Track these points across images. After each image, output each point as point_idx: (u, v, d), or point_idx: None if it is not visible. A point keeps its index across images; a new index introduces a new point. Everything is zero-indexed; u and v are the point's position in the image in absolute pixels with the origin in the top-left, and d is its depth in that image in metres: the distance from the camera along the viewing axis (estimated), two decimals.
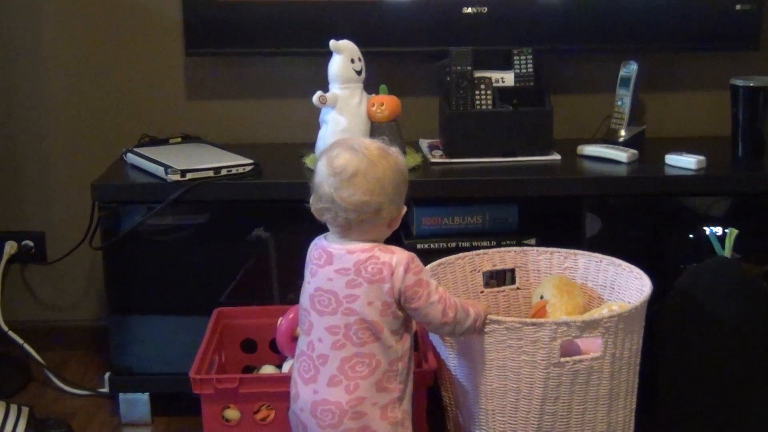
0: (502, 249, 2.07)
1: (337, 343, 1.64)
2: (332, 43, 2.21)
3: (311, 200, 1.68)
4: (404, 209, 1.70)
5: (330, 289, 1.65)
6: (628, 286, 1.93)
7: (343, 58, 2.22)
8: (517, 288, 2.08)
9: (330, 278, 1.65)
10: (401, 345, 1.66)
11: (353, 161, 1.63)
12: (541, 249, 2.07)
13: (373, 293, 1.63)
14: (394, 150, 1.69)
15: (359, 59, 2.24)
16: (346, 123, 2.22)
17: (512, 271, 2.07)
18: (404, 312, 1.66)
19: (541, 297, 1.98)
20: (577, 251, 2.04)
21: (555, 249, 2.06)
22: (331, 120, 2.23)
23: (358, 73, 2.24)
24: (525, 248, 2.08)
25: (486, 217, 2.25)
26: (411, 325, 1.71)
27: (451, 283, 2.00)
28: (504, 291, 2.08)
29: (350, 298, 1.63)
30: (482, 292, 2.05)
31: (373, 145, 1.67)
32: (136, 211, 2.18)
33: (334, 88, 2.23)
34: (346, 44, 2.23)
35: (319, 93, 2.20)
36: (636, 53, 2.43)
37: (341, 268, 1.65)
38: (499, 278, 2.10)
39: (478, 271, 2.04)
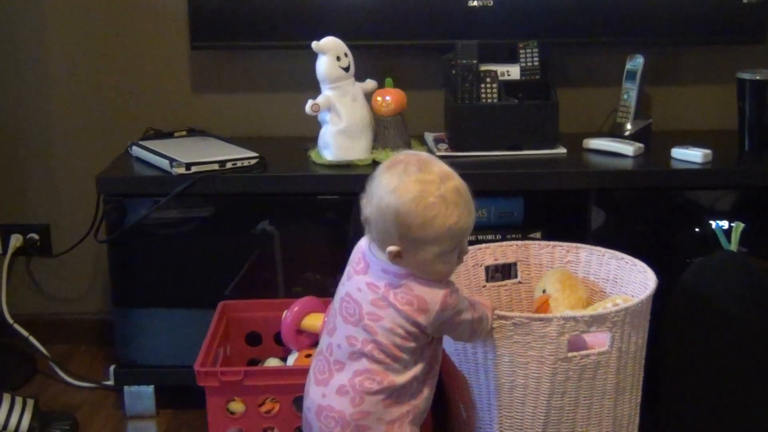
0: (504, 243, 2.07)
1: (354, 354, 1.60)
2: (314, 44, 2.18)
3: None
4: (395, 250, 1.53)
5: (357, 299, 1.60)
6: (630, 279, 1.93)
7: (329, 57, 2.19)
8: (519, 282, 2.08)
9: (360, 288, 1.60)
10: (420, 364, 1.62)
11: (383, 165, 1.57)
12: (543, 243, 2.06)
13: (397, 321, 1.56)
14: (436, 191, 1.51)
15: (345, 55, 2.21)
16: (345, 122, 2.21)
17: (514, 265, 2.07)
18: (430, 336, 1.61)
19: (544, 291, 1.98)
20: (579, 245, 2.04)
21: (557, 243, 2.05)
22: (329, 120, 2.22)
23: (346, 69, 2.21)
24: (527, 242, 2.07)
25: (491, 211, 2.24)
26: (436, 341, 1.65)
27: (454, 278, 1.99)
28: (506, 285, 2.08)
29: (373, 316, 1.58)
30: (484, 286, 2.05)
31: (428, 172, 1.53)
32: (142, 204, 2.18)
33: (325, 90, 2.21)
34: (328, 43, 2.19)
35: (310, 102, 2.18)
36: (642, 46, 2.42)
37: (372, 284, 1.59)
38: (504, 271, 2.09)
39: (480, 266, 2.04)
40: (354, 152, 2.22)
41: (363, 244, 1.64)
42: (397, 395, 1.60)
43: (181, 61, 2.52)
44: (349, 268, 1.65)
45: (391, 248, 1.54)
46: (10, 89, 2.54)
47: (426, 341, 1.61)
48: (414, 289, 1.56)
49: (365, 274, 1.60)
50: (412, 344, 1.59)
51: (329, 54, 2.19)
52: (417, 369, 1.61)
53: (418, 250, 1.54)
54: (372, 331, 1.58)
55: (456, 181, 1.56)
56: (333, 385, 1.61)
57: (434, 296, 1.56)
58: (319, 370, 1.65)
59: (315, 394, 1.64)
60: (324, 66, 2.20)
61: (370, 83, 2.28)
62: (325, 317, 1.98)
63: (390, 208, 1.52)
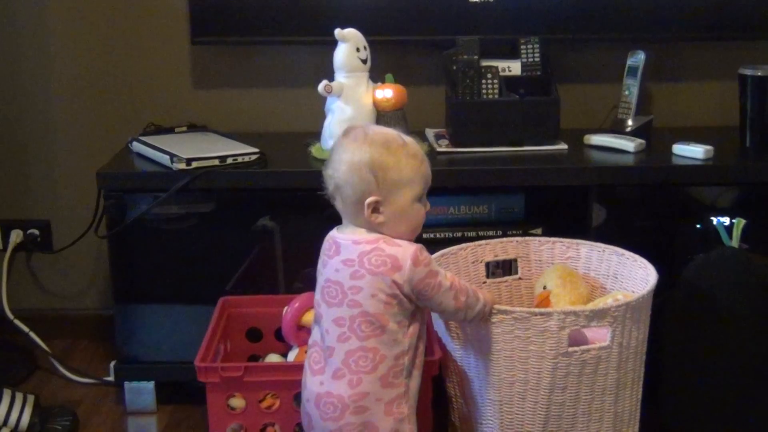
0: (505, 239, 2.07)
1: (343, 335, 1.63)
2: (337, 31, 2.20)
3: None
4: (374, 200, 1.62)
5: (337, 280, 1.65)
6: (631, 275, 1.93)
7: (349, 46, 2.21)
8: (519, 278, 2.07)
9: (337, 269, 1.65)
10: (407, 338, 1.65)
11: (336, 141, 1.67)
12: (544, 239, 2.06)
13: (376, 285, 1.62)
14: (408, 141, 1.67)
15: (365, 48, 2.23)
16: (352, 112, 2.21)
17: (514, 261, 2.07)
18: (413, 303, 1.65)
19: (544, 287, 1.97)
20: (579, 241, 2.03)
21: (557, 239, 2.05)
22: (336, 109, 2.23)
23: (364, 62, 2.23)
24: (527, 238, 2.07)
25: (492, 207, 2.24)
26: (419, 317, 1.69)
27: (454, 274, 2.00)
28: (506, 281, 2.08)
29: (354, 289, 1.63)
30: (485, 282, 2.05)
31: (368, 130, 1.66)
32: (142, 199, 2.18)
33: (340, 77, 2.23)
34: (351, 33, 2.22)
35: (324, 82, 2.20)
36: (644, 42, 2.42)
37: (347, 259, 1.65)
38: (505, 268, 2.09)
39: (481, 262, 2.04)
40: None
41: (330, 233, 1.71)
42: (393, 374, 1.63)
43: (182, 56, 2.52)
44: (322, 259, 1.70)
45: (370, 199, 1.63)
46: (10, 85, 2.54)
47: (409, 309, 1.64)
48: (385, 250, 1.63)
49: (339, 255, 1.66)
50: (396, 309, 1.62)
51: (350, 43, 2.21)
52: (405, 342, 1.64)
53: (395, 196, 1.63)
54: (356, 304, 1.62)
55: (409, 137, 1.71)
56: (329, 371, 1.64)
57: (405, 252, 1.62)
58: (314, 360, 1.68)
59: (312, 384, 1.67)
60: (343, 54, 2.21)
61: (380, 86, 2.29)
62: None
63: (363, 159, 1.62)
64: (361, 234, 1.65)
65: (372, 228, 1.66)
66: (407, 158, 1.64)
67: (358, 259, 1.63)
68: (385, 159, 1.63)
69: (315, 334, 1.70)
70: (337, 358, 1.64)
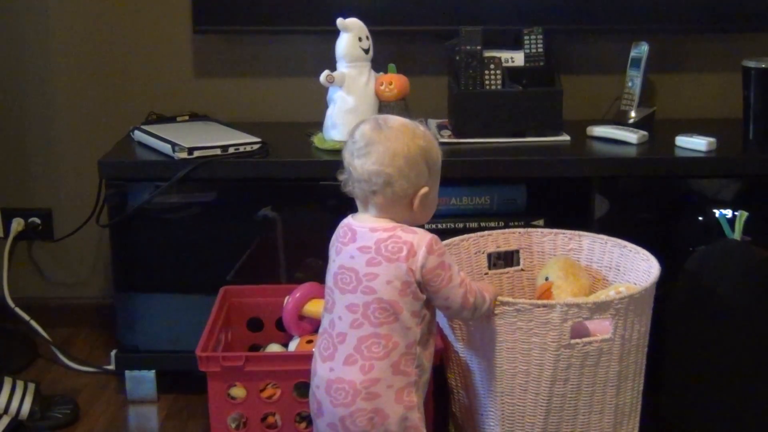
0: (507, 230, 2.06)
1: (356, 321, 1.63)
2: (339, 21, 2.20)
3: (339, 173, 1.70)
4: (426, 190, 1.65)
5: (351, 266, 1.64)
6: (633, 267, 1.93)
7: (351, 36, 2.21)
8: (522, 269, 2.07)
9: (352, 256, 1.65)
10: (420, 328, 1.64)
11: (369, 131, 1.64)
12: (546, 230, 2.06)
13: (392, 272, 1.61)
14: (423, 130, 1.68)
15: (367, 37, 2.22)
16: (354, 102, 2.21)
17: (516, 252, 2.06)
18: (424, 293, 1.64)
19: (546, 279, 1.97)
20: (581, 232, 2.03)
21: (559, 230, 2.05)
22: (338, 99, 2.22)
23: (366, 51, 2.22)
24: (529, 229, 2.07)
25: (494, 198, 2.24)
26: (432, 308, 1.68)
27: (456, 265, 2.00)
28: (508, 273, 2.08)
29: (370, 276, 1.62)
30: (487, 273, 2.05)
31: (399, 121, 1.67)
32: (144, 188, 2.18)
33: (342, 67, 2.22)
34: (353, 22, 2.21)
35: (326, 72, 2.19)
36: (647, 34, 2.41)
37: (363, 246, 1.64)
38: (507, 258, 2.09)
39: (483, 253, 2.04)
40: None
41: (344, 221, 1.71)
42: (405, 361, 1.62)
43: (184, 45, 2.52)
44: (335, 246, 1.69)
45: (424, 190, 1.65)
46: (12, 74, 2.54)
47: (422, 299, 1.64)
48: (402, 237, 1.63)
49: (354, 242, 1.65)
50: (410, 297, 1.62)
51: (352, 33, 2.20)
52: (417, 332, 1.64)
53: (436, 182, 1.69)
54: (371, 290, 1.62)
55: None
56: (339, 358, 1.63)
57: (421, 239, 1.63)
58: (324, 347, 1.67)
59: (323, 371, 1.65)
60: (345, 44, 2.21)
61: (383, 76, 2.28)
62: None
63: (418, 150, 1.64)
64: (379, 222, 1.65)
65: (410, 219, 1.67)
66: (435, 142, 1.69)
67: (375, 246, 1.63)
68: (432, 147, 1.67)
69: (325, 321, 1.69)
70: (349, 344, 1.63)
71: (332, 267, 1.69)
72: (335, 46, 2.22)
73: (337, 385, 1.63)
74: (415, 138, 1.64)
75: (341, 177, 1.68)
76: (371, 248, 1.63)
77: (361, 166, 1.63)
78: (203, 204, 2.21)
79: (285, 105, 2.54)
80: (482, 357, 1.76)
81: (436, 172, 1.68)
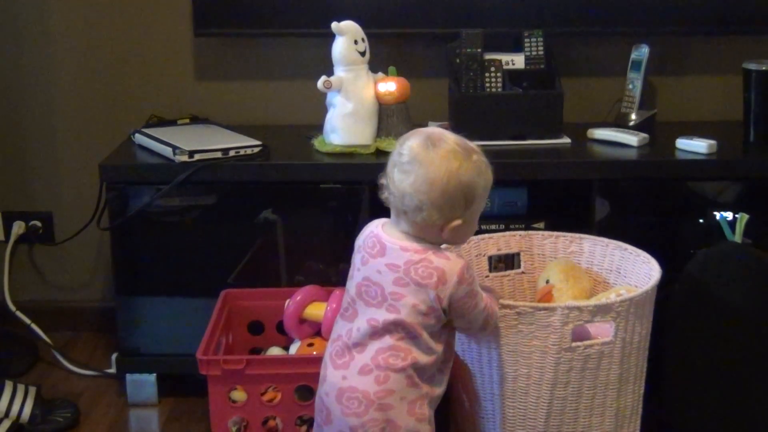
0: (508, 233, 2.06)
1: (376, 334, 1.61)
2: (334, 24, 2.19)
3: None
4: (459, 224, 1.59)
5: (378, 282, 1.62)
6: (634, 270, 1.93)
7: (346, 39, 2.20)
8: (522, 272, 2.07)
9: (379, 271, 1.62)
10: (439, 347, 1.64)
11: (417, 147, 1.58)
12: (547, 233, 2.06)
13: (419, 297, 1.59)
14: (476, 158, 1.60)
15: (362, 40, 2.21)
16: (353, 106, 2.21)
17: (517, 255, 2.06)
18: (446, 316, 1.63)
19: (547, 281, 1.97)
20: (582, 235, 2.03)
21: (560, 233, 2.05)
22: (338, 103, 2.22)
23: (362, 54, 2.22)
24: (530, 232, 2.07)
25: (495, 201, 2.24)
26: (449, 330, 1.67)
27: None
28: (509, 275, 2.07)
29: (396, 295, 1.60)
30: (487, 276, 2.05)
31: (451, 144, 1.59)
32: (144, 191, 2.18)
33: (339, 71, 2.22)
34: (348, 25, 2.20)
35: (323, 78, 2.19)
36: (647, 36, 2.41)
37: (392, 264, 1.61)
38: (508, 262, 2.09)
39: (484, 255, 2.04)
40: (362, 136, 2.22)
41: (373, 228, 1.66)
42: (419, 375, 1.62)
43: (185, 48, 2.52)
44: (361, 254, 1.65)
45: (455, 223, 1.59)
46: (13, 76, 2.54)
47: (443, 321, 1.63)
48: (433, 262, 1.59)
49: (383, 257, 1.62)
50: (432, 321, 1.60)
51: (347, 36, 2.20)
52: (438, 350, 1.63)
53: (474, 214, 1.63)
54: (395, 310, 1.60)
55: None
56: (354, 367, 1.62)
57: (452, 267, 1.59)
58: (337, 354, 1.65)
59: (334, 378, 1.64)
60: (340, 47, 2.20)
61: (381, 76, 2.28)
62: (328, 306, 1.98)
63: (458, 184, 1.57)
64: (411, 241, 1.61)
65: (442, 242, 1.63)
66: (487, 173, 1.62)
67: (405, 267, 1.60)
68: (476, 182, 1.59)
69: (341, 329, 1.66)
70: (367, 354, 1.61)
71: (356, 276, 1.66)
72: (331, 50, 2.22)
73: (350, 394, 1.61)
74: (460, 168, 1.57)
75: (382, 181, 1.64)
76: (400, 268, 1.60)
77: (399, 182, 1.59)
78: (204, 207, 2.21)
79: (285, 108, 2.54)
80: (483, 360, 1.76)
81: (477, 205, 1.61)
